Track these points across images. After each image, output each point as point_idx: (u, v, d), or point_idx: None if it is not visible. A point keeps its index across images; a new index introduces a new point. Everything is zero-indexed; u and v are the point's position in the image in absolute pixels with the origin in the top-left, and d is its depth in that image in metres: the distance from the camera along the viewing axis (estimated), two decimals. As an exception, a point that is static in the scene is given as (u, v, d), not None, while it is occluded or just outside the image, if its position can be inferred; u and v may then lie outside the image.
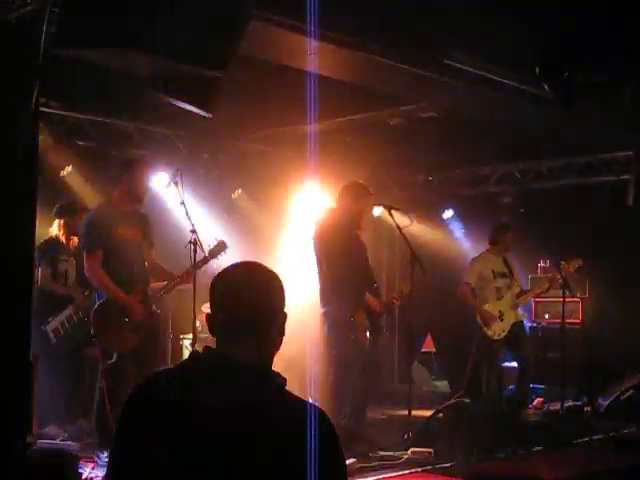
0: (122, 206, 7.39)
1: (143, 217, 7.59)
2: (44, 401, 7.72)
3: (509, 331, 9.99)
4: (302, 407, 2.49)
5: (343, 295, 7.95)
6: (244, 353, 2.51)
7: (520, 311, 10.23)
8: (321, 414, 2.48)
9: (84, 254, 7.29)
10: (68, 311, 8.32)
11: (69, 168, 9.70)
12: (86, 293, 8.30)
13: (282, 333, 2.64)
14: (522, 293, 10.20)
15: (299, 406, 2.49)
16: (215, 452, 2.35)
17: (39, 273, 8.44)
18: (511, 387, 10.33)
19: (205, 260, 7.52)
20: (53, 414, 8.15)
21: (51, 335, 8.18)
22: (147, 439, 2.43)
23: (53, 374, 8.00)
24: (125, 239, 7.29)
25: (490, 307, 10.06)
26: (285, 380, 2.53)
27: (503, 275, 10.19)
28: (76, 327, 8.35)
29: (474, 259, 10.41)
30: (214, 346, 2.59)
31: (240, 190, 11.54)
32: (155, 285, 7.50)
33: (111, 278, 7.15)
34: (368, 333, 7.99)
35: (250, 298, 2.55)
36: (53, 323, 8.20)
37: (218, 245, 7.62)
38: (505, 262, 10.29)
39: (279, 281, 2.66)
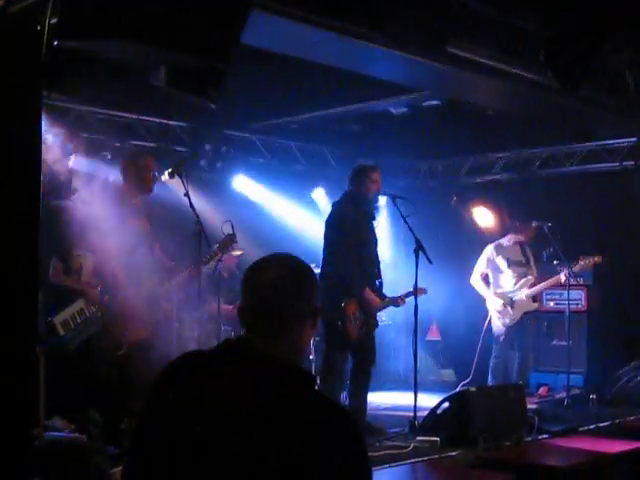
0: (131, 198, 7.42)
1: (150, 209, 7.61)
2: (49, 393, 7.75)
3: (519, 319, 10.03)
4: (329, 408, 2.47)
5: (338, 281, 7.93)
6: (272, 347, 2.50)
7: (531, 301, 10.22)
8: (348, 417, 2.47)
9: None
10: (78, 305, 8.29)
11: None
12: (99, 287, 8.30)
13: (314, 327, 2.63)
14: (535, 284, 10.18)
15: (326, 407, 2.47)
16: (233, 444, 2.33)
17: (51, 267, 8.48)
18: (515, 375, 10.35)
19: (214, 254, 7.57)
20: (60, 406, 8.17)
21: (59, 327, 8.17)
22: (169, 427, 2.43)
23: (64, 365, 8.01)
24: (135, 231, 7.31)
25: (502, 294, 10.10)
26: (315, 379, 2.51)
27: (519, 264, 10.23)
28: (90, 320, 8.34)
29: (489, 246, 10.42)
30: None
31: (243, 176, 11.53)
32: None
33: (124, 269, 7.18)
34: (358, 323, 7.98)
35: (281, 292, 2.53)
36: (61, 315, 8.18)
37: (226, 239, 7.65)
38: (523, 251, 10.30)
39: (312, 275, 2.65)
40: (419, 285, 8.24)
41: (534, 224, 10.41)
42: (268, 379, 2.42)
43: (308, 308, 2.58)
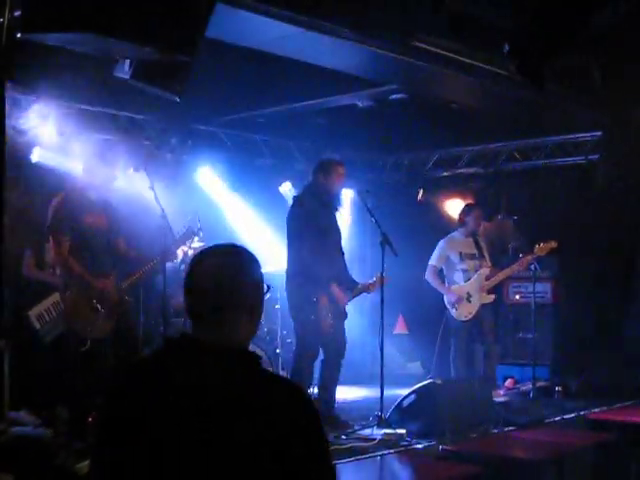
0: (89, 194, 7.38)
1: (108, 204, 7.57)
2: (20, 387, 7.71)
3: (476, 313, 10.04)
4: (281, 384, 2.51)
5: (307, 276, 7.94)
6: (217, 336, 2.50)
7: (488, 293, 10.24)
8: (300, 391, 2.48)
9: (51, 240, 7.27)
10: (53, 298, 8.24)
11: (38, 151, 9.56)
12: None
13: (258, 316, 2.63)
14: (491, 275, 10.22)
15: (278, 383, 2.51)
16: (193, 435, 2.34)
17: (24, 261, 8.45)
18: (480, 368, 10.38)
19: (175, 247, 7.55)
20: (28, 400, 8.12)
21: (35, 321, 8.12)
22: (128, 430, 2.43)
23: (37, 360, 7.98)
24: (93, 228, 7.28)
25: (457, 289, 10.11)
26: (260, 358, 2.52)
27: (472, 257, 10.23)
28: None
29: (441, 241, 10.44)
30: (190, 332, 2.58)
31: (208, 170, 11.49)
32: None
33: (82, 265, 7.15)
34: (330, 316, 7.99)
35: (222, 282, 2.53)
36: (37, 309, 8.14)
37: (187, 232, 7.64)
38: (476, 243, 10.31)
39: (257, 265, 2.65)
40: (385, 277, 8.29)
41: (499, 217, 10.46)
42: (215, 367, 2.44)
43: (244, 300, 2.57)
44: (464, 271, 10.21)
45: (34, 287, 8.40)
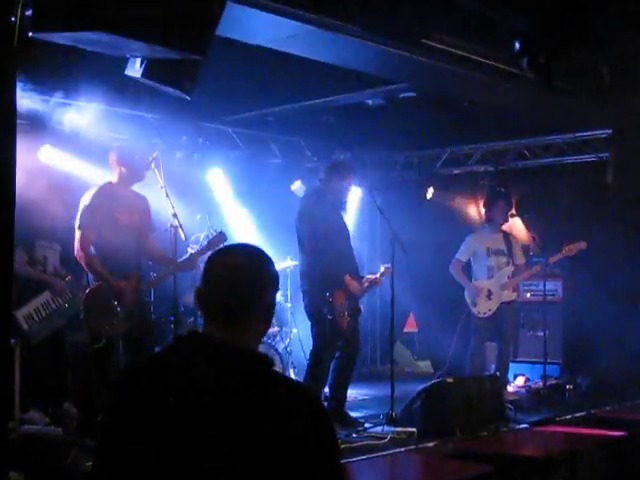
0: (121, 190, 7.38)
1: (142, 200, 7.56)
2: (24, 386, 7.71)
3: (496, 310, 9.90)
4: (292, 387, 2.51)
5: (322, 275, 7.95)
6: (230, 336, 2.51)
7: (511, 291, 10.12)
8: (311, 394, 2.48)
9: (76, 233, 7.23)
10: (43, 298, 8.17)
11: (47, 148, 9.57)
12: (67, 279, 8.20)
13: (272, 316, 2.66)
14: (515, 273, 10.03)
15: (289, 386, 2.51)
16: (202, 434, 2.34)
17: (16, 258, 8.38)
18: (493, 365, 10.34)
19: (203, 251, 7.54)
20: (34, 399, 8.12)
21: (22, 321, 8.06)
22: (134, 425, 2.43)
23: (28, 360, 7.94)
24: (123, 224, 7.25)
25: (479, 285, 9.94)
26: (272, 361, 2.53)
27: (499, 253, 10.00)
28: (57, 313, 8.25)
29: (469, 235, 10.28)
30: (201, 330, 2.59)
31: (217, 169, 11.50)
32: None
33: (106, 263, 7.11)
34: (347, 314, 8.01)
35: (239, 282, 2.54)
36: (25, 309, 8.06)
37: (218, 236, 7.62)
38: (506, 239, 10.10)
39: (273, 266, 2.66)
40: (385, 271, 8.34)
41: (511, 214, 10.36)
42: (226, 367, 2.44)
43: (259, 301, 2.58)
44: (489, 267, 9.96)
45: (24, 284, 8.34)
